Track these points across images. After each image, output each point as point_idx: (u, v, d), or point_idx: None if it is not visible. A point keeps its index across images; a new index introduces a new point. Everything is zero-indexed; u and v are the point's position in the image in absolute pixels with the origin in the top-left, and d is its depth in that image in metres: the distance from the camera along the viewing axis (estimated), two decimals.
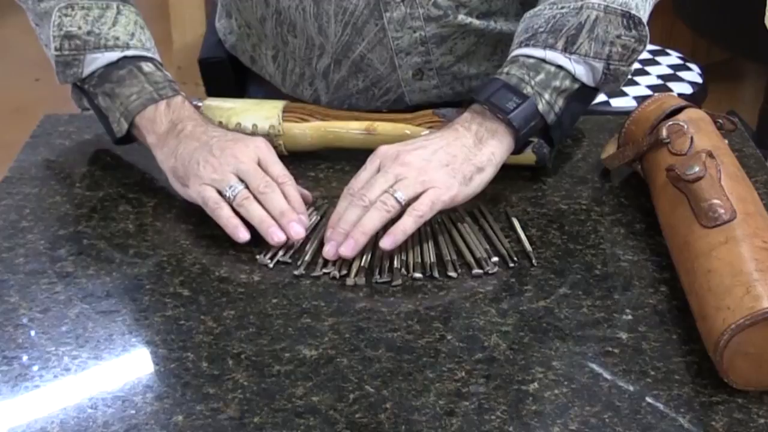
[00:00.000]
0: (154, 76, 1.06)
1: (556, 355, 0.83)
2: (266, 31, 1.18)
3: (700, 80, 2.08)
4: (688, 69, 2.11)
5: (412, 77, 1.16)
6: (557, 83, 1.01)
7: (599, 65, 1.02)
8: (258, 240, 0.96)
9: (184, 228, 0.99)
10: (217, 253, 0.95)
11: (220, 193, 0.96)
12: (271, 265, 0.93)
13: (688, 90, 2.03)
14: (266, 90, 1.25)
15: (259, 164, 0.98)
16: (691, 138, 0.97)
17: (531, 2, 1.16)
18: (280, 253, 0.94)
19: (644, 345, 0.84)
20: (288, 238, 0.94)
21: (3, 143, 1.86)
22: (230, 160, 0.97)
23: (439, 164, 0.95)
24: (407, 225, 0.92)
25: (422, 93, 1.18)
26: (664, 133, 0.99)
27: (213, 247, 0.96)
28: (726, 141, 1.00)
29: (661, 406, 0.78)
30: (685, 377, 0.80)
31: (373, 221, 0.92)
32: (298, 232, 0.94)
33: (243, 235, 0.94)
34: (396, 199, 0.93)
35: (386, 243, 0.92)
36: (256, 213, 0.95)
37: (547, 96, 1.00)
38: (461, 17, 1.12)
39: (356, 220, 0.92)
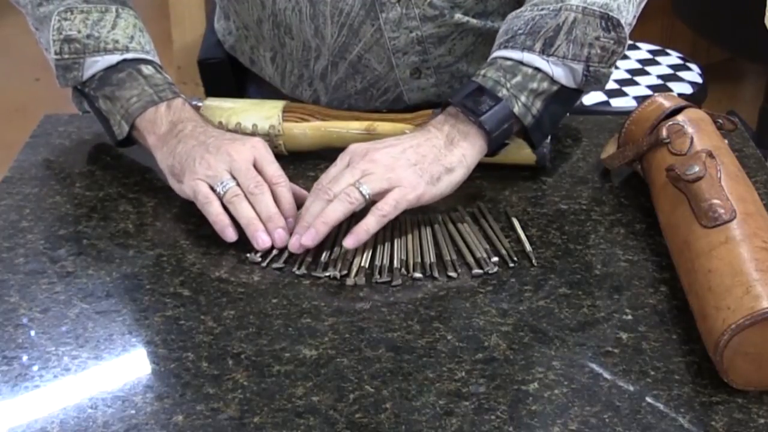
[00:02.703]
0: (154, 78, 1.06)
1: (556, 355, 0.83)
2: (263, 33, 1.18)
3: (700, 80, 2.08)
4: (688, 69, 2.11)
5: (410, 76, 1.16)
6: (534, 85, 1.00)
7: (579, 67, 1.02)
8: (247, 239, 0.96)
9: (184, 228, 0.99)
10: (217, 253, 0.95)
11: (212, 189, 0.96)
12: (263, 264, 0.93)
13: (688, 90, 2.03)
14: (266, 91, 1.25)
15: (255, 164, 0.98)
16: (691, 138, 0.97)
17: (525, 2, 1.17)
18: (274, 252, 0.94)
19: (644, 345, 0.84)
20: (273, 244, 0.94)
21: (3, 143, 1.86)
22: (225, 157, 0.97)
23: (407, 163, 0.95)
24: (370, 224, 0.92)
25: (420, 92, 1.18)
26: (664, 133, 0.99)
27: (213, 247, 0.96)
28: (726, 141, 1.00)
29: (661, 406, 0.78)
30: (685, 377, 0.80)
31: (335, 212, 0.93)
32: (282, 239, 0.94)
33: (231, 234, 0.95)
34: (360, 192, 0.93)
35: (349, 242, 0.92)
36: (244, 213, 0.95)
37: (523, 98, 1.00)
38: (458, 16, 1.12)
39: (320, 213, 0.93)
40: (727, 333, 0.77)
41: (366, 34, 1.12)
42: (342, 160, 0.97)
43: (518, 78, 1.00)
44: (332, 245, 0.95)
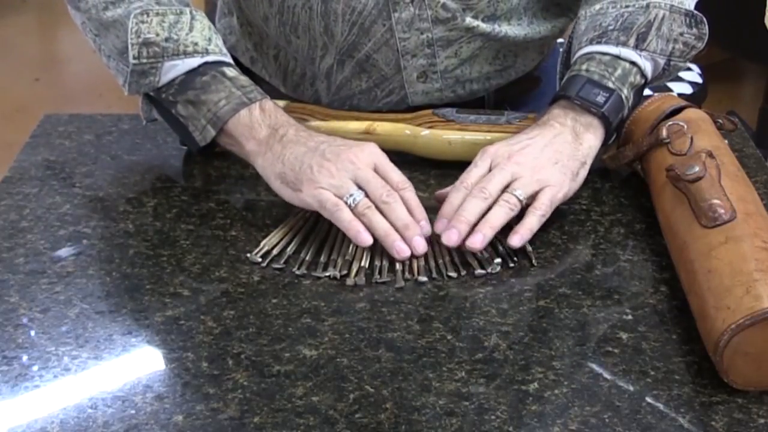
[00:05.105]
0: (239, 80, 1.04)
1: (556, 355, 0.83)
2: (269, 30, 1.18)
3: (700, 80, 2.08)
4: (688, 69, 2.11)
5: (416, 79, 1.16)
6: (632, 79, 1.04)
7: (662, 61, 1.05)
8: (249, 238, 0.96)
9: (184, 228, 0.99)
10: (217, 253, 0.95)
11: (338, 197, 0.94)
12: (263, 264, 0.93)
13: (688, 90, 2.03)
14: (265, 91, 1.24)
15: (376, 170, 0.96)
16: (691, 138, 0.97)
17: (533, 8, 1.17)
18: (275, 251, 0.94)
19: (644, 345, 0.84)
20: (412, 252, 0.93)
21: (3, 143, 1.86)
22: (347, 165, 0.95)
23: (549, 162, 0.97)
24: (533, 223, 0.94)
25: (425, 95, 1.17)
26: (664, 133, 0.99)
27: (213, 247, 0.96)
28: (726, 141, 1.00)
29: (661, 406, 0.78)
30: (685, 377, 0.81)
31: (498, 218, 0.94)
32: (421, 247, 0.93)
33: (367, 238, 0.92)
34: (517, 197, 0.94)
35: (515, 241, 0.93)
36: (380, 225, 0.93)
37: (625, 91, 1.03)
38: (468, 20, 1.12)
39: (478, 212, 0.93)
40: (727, 333, 0.77)
41: (377, 33, 1.12)
42: (483, 161, 0.98)
43: (619, 72, 1.03)
44: (332, 245, 0.95)
